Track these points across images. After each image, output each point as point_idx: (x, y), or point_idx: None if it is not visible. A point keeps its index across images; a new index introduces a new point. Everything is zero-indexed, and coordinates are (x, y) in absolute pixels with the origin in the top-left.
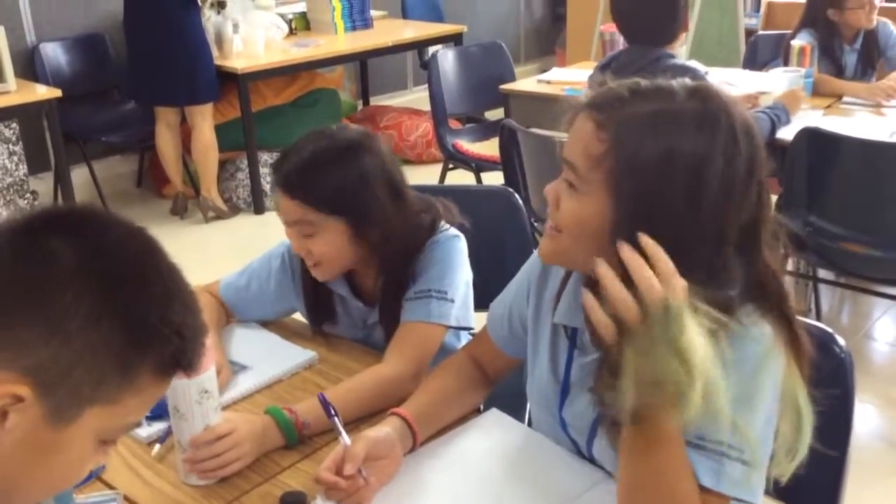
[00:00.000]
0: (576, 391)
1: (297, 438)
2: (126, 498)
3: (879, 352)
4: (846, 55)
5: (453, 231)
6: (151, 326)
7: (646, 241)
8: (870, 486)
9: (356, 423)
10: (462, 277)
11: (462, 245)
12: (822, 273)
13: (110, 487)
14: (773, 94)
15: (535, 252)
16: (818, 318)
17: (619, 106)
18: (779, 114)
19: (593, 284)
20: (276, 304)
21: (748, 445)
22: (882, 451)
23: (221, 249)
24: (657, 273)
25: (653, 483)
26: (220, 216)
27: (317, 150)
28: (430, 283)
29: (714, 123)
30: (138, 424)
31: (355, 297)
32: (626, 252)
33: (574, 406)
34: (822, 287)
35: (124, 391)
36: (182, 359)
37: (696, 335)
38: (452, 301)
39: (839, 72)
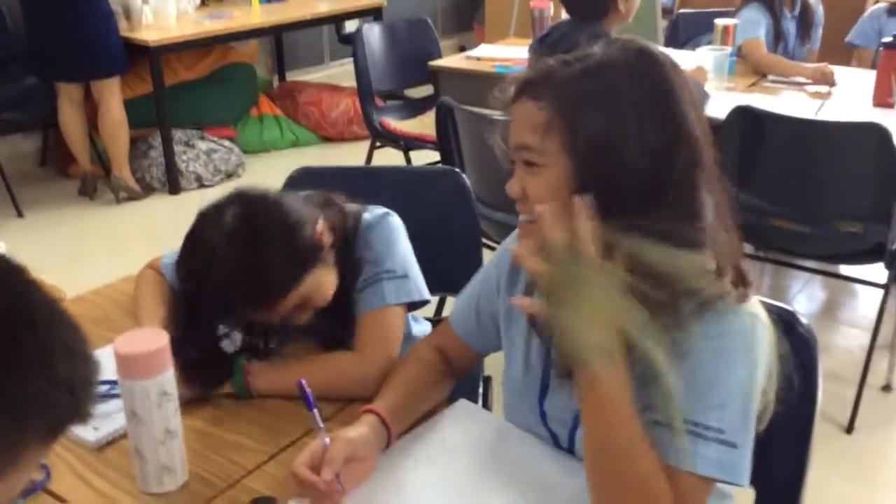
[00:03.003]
0: (556, 384)
1: (244, 388)
2: None
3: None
4: (787, 21)
5: (380, 209)
6: (33, 395)
7: (576, 202)
8: None
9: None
10: (406, 251)
11: (395, 220)
12: (745, 247)
13: (59, 499)
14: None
15: (503, 246)
16: None
17: (551, 75)
18: (700, 91)
19: None
20: None
21: (727, 424)
22: None
23: (134, 232)
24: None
25: (606, 453)
26: (132, 197)
27: (240, 261)
28: (375, 266)
29: (646, 66)
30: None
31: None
32: (540, 209)
33: (556, 398)
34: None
35: (6, 471)
36: (76, 415)
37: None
38: (405, 276)
39: (780, 37)
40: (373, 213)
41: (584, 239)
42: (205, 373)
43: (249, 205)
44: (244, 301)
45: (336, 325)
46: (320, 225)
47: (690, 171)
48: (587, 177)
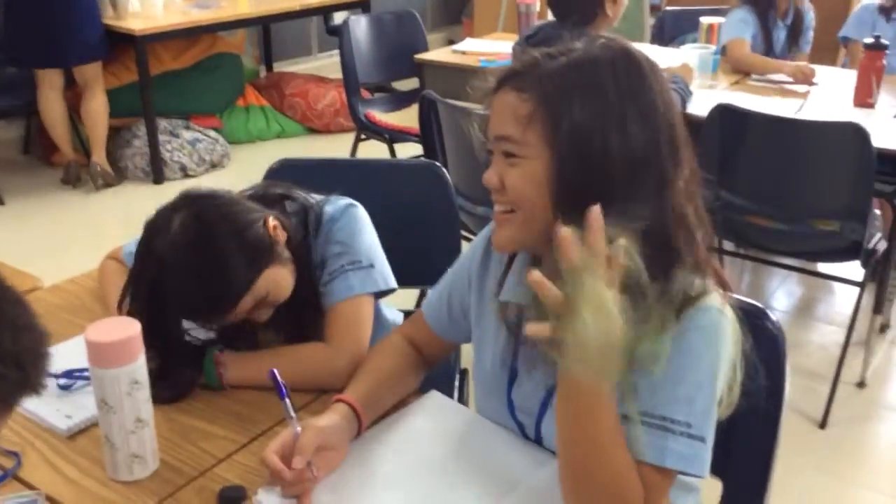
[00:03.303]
0: (524, 373)
1: (216, 378)
2: (48, 498)
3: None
4: (777, 30)
5: (343, 200)
6: None
7: (593, 212)
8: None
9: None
10: (371, 241)
11: (360, 211)
12: (725, 244)
13: (30, 487)
14: (671, 68)
15: (477, 239)
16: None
17: (535, 67)
18: (683, 88)
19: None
20: None
21: (694, 418)
22: (782, 416)
23: (117, 222)
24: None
25: (583, 452)
26: (108, 182)
27: (193, 271)
28: (340, 258)
29: (628, 65)
30: None
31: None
32: (564, 233)
33: (523, 388)
34: (725, 258)
35: None
36: (27, 387)
37: (602, 302)
38: (371, 266)
39: (770, 45)
40: (335, 204)
41: (599, 253)
42: (175, 380)
43: (196, 209)
44: (200, 308)
45: (303, 320)
46: (272, 222)
47: (670, 169)
48: (568, 170)
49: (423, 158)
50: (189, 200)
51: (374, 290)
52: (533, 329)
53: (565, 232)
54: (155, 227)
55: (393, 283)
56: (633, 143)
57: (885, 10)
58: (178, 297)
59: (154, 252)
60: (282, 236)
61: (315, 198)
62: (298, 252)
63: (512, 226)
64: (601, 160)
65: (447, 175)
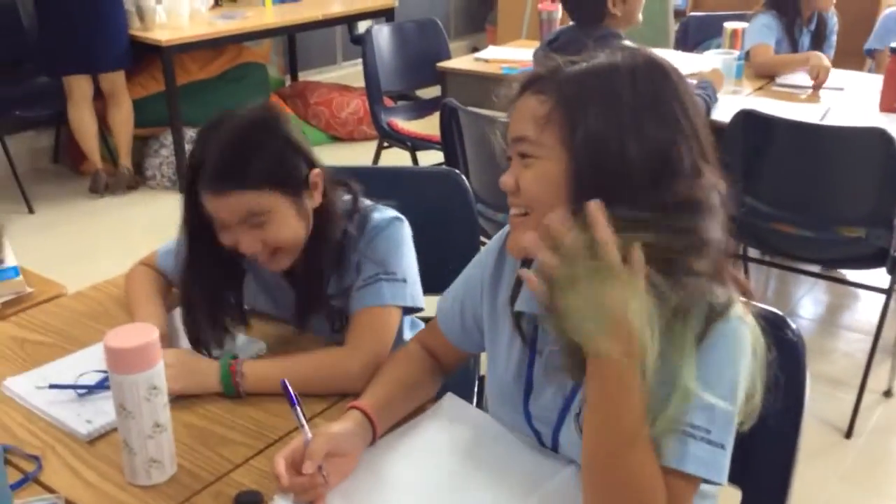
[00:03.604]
0: (540, 384)
1: (233, 387)
2: (68, 502)
3: (804, 328)
4: (802, 36)
5: (391, 212)
6: None
7: (592, 208)
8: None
9: (315, 414)
10: (409, 259)
11: (406, 228)
12: (751, 251)
13: (49, 491)
14: (701, 73)
15: (489, 246)
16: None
17: (556, 72)
18: (710, 94)
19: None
20: None
21: (714, 425)
22: (807, 425)
23: (144, 230)
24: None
25: (610, 443)
26: (130, 185)
27: (232, 135)
28: (377, 267)
29: (651, 73)
30: None
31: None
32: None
33: (540, 399)
34: (750, 266)
35: None
36: None
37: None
38: (404, 281)
39: (795, 51)
40: (383, 213)
41: (608, 243)
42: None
43: (270, 111)
44: (209, 167)
45: (310, 302)
46: (316, 175)
47: (689, 177)
48: (583, 173)
49: (443, 166)
50: (269, 107)
51: (402, 304)
52: (525, 273)
53: (553, 216)
54: (231, 110)
55: (421, 303)
56: (651, 149)
57: None
58: (201, 153)
59: (214, 119)
60: (317, 196)
61: (365, 202)
62: (327, 232)
63: (526, 229)
64: (619, 165)
65: (466, 182)
